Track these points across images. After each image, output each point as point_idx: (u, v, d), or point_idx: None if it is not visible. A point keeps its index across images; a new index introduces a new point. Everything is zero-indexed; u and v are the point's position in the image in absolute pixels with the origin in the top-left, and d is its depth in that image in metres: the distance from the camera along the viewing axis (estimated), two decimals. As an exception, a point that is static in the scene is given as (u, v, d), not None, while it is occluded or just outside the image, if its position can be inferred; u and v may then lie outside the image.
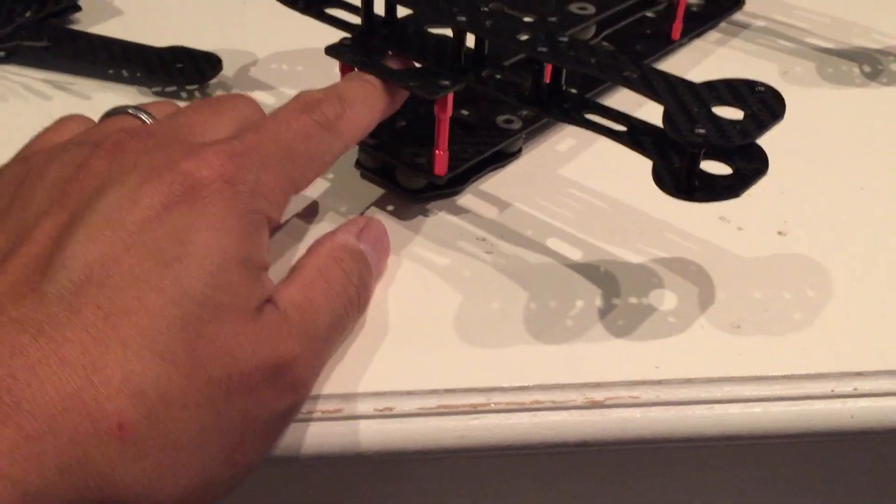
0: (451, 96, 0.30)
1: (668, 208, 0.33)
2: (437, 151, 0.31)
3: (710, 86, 0.25)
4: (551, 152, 0.36)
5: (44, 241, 0.21)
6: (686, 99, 0.24)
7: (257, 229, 0.24)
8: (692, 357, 0.27)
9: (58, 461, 0.18)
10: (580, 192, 0.34)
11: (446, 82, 0.29)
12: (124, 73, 0.40)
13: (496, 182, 0.34)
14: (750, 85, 0.25)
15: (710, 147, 0.24)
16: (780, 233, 0.32)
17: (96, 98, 0.38)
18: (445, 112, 0.30)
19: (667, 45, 0.42)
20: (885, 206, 0.34)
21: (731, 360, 0.27)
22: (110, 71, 0.40)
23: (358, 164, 0.34)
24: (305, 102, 0.27)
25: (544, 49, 0.27)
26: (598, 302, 0.29)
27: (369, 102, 0.29)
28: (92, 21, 0.44)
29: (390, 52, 0.31)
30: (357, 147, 0.33)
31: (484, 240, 0.31)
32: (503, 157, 0.35)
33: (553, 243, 0.31)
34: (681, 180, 0.24)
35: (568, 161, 0.35)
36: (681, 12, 0.42)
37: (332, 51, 0.31)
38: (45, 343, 0.19)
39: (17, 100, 0.38)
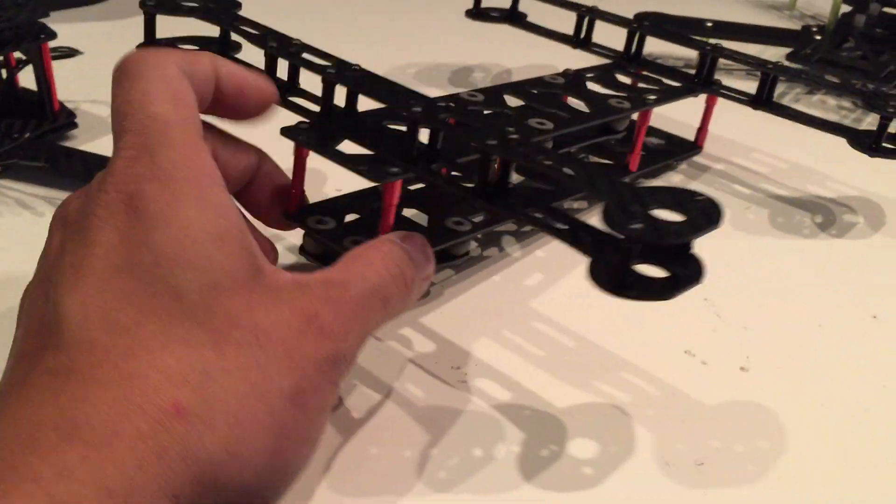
0: (398, 184, 0.31)
1: (635, 341, 0.34)
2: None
3: (652, 190, 0.25)
4: (521, 287, 0.37)
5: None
6: (626, 198, 0.25)
7: None
8: (653, 499, 0.28)
9: (134, 460, 0.19)
10: (546, 327, 0.35)
11: (395, 169, 0.30)
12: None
13: (464, 308, 0.35)
14: (690, 194, 0.25)
15: (644, 242, 0.24)
16: (742, 368, 0.34)
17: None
18: (392, 199, 0.31)
19: (624, 174, 0.44)
20: (840, 343, 0.36)
21: (695, 500, 0.28)
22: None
23: (302, 249, 0.35)
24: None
25: (493, 142, 0.29)
26: (551, 446, 0.30)
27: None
28: (88, 138, 0.46)
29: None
30: (303, 232, 0.34)
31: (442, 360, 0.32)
32: (449, 258, 0.36)
33: (515, 380, 0.32)
34: (615, 277, 0.25)
35: (537, 295, 0.37)
36: (639, 144, 0.43)
37: (287, 132, 0.32)
38: (78, 377, 0.20)
39: (10, 215, 0.39)
